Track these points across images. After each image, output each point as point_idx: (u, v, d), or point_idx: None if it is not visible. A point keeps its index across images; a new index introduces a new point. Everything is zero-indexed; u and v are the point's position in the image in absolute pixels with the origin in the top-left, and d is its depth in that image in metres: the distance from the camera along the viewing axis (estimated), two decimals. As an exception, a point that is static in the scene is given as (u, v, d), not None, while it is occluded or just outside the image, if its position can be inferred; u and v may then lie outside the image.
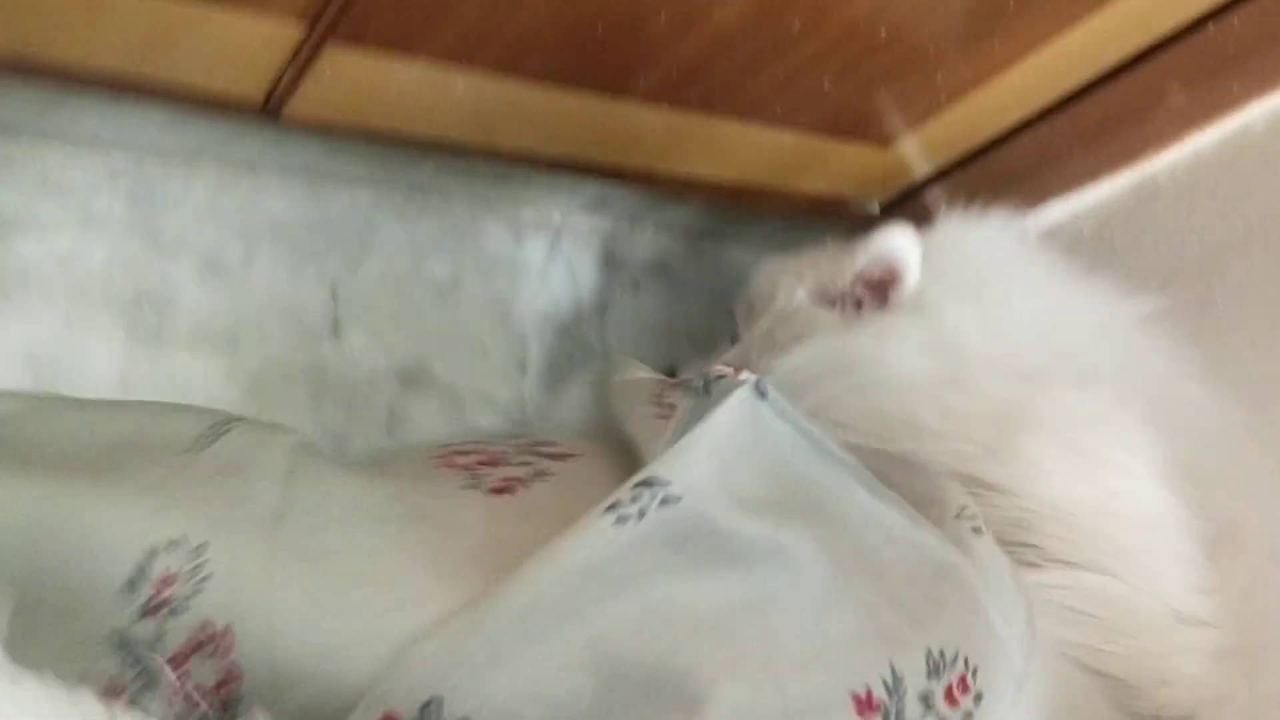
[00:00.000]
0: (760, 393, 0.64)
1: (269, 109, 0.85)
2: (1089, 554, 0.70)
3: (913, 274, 0.88)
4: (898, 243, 0.88)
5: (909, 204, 1.11)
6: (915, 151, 1.03)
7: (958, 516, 0.68)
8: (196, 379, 1.00)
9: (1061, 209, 1.12)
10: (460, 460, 0.67)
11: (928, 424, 0.78)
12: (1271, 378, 0.88)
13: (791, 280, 0.96)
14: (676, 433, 0.62)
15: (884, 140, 1.01)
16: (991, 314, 0.87)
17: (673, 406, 0.67)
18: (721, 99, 0.90)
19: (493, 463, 0.66)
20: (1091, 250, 1.08)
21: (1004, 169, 1.06)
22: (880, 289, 0.90)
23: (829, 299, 0.94)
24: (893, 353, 0.85)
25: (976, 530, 0.67)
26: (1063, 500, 0.71)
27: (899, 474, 0.70)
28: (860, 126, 0.98)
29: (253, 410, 1.02)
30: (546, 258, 1.20)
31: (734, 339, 1.04)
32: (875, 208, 1.14)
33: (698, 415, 0.63)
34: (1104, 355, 0.84)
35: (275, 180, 1.07)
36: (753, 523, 0.60)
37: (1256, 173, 0.96)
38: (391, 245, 1.11)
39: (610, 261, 1.23)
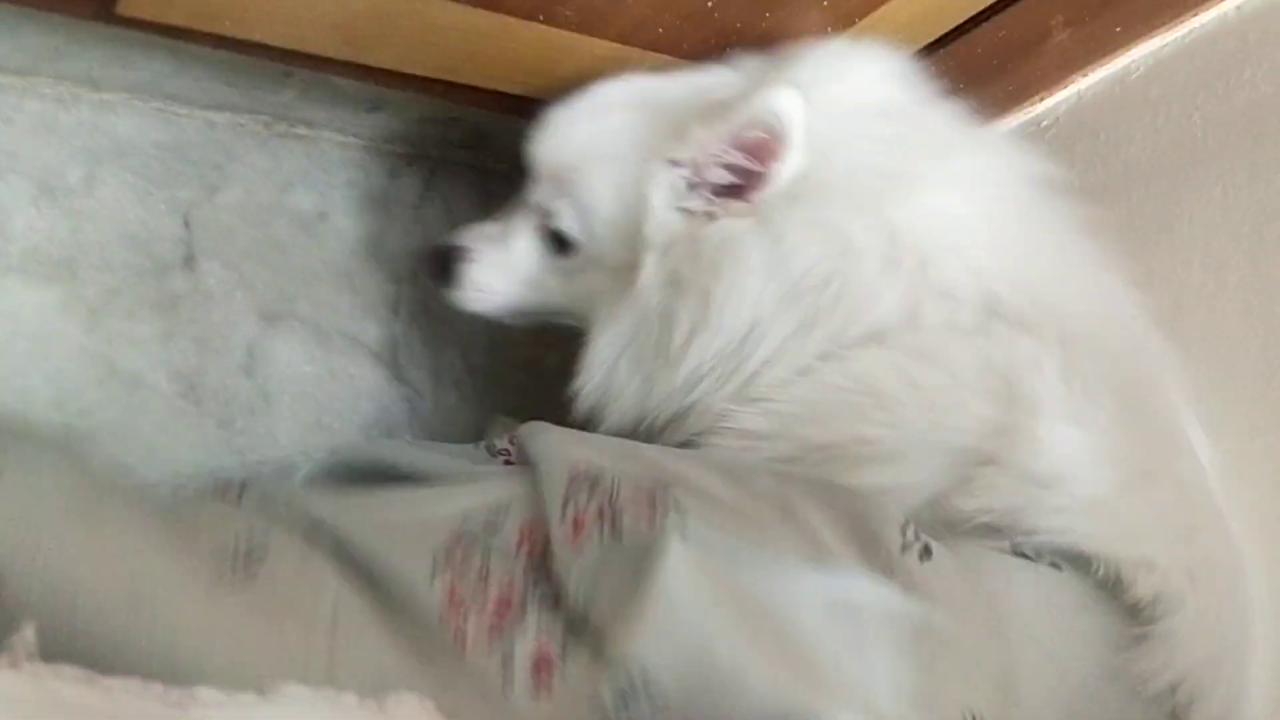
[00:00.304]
0: (684, 538, 0.59)
1: (103, 6, 0.77)
2: (1131, 548, 0.68)
3: (797, 142, 0.77)
4: (782, 103, 0.76)
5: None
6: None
7: (904, 549, 0.64)
8: (27, 310, 0.92)
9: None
10: (476, 612, 0.59)
11: (896, 396, 0.73)
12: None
13: (663, 175, 0.81)
14: (619, 590, 0.57)
15: (770, 73, 0.98)
16: (948, 216, 0.80)
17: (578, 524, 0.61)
18: (601, 18, 0.85)
19: (507, 604, 0.59)
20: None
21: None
22: (759, 157, 0.78)
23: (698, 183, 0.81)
24: (855, 271, 0.77)
25: (925, 552, 0.64)
26: (1097, 493, 0.69)
27: (830, 511, 0.65)
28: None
29: (93, 345, 0.94)
30: (421, 194, 1.14)
31: (553, 236, 0.89)
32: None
33: (631, 570, 0.58)
34: (1063, 280, 0.79)
35: (121, 98, 0.99)
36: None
37: (1137, 115, 0.96)
38: (252, 174, 1.04)
39: (489, 200, 1.18)
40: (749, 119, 0.78)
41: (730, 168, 0.80)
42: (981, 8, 0.90)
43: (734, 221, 0.81)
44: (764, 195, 0.79)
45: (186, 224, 1.00)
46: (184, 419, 0.98)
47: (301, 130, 1.07)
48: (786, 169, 0.78)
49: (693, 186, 0.82)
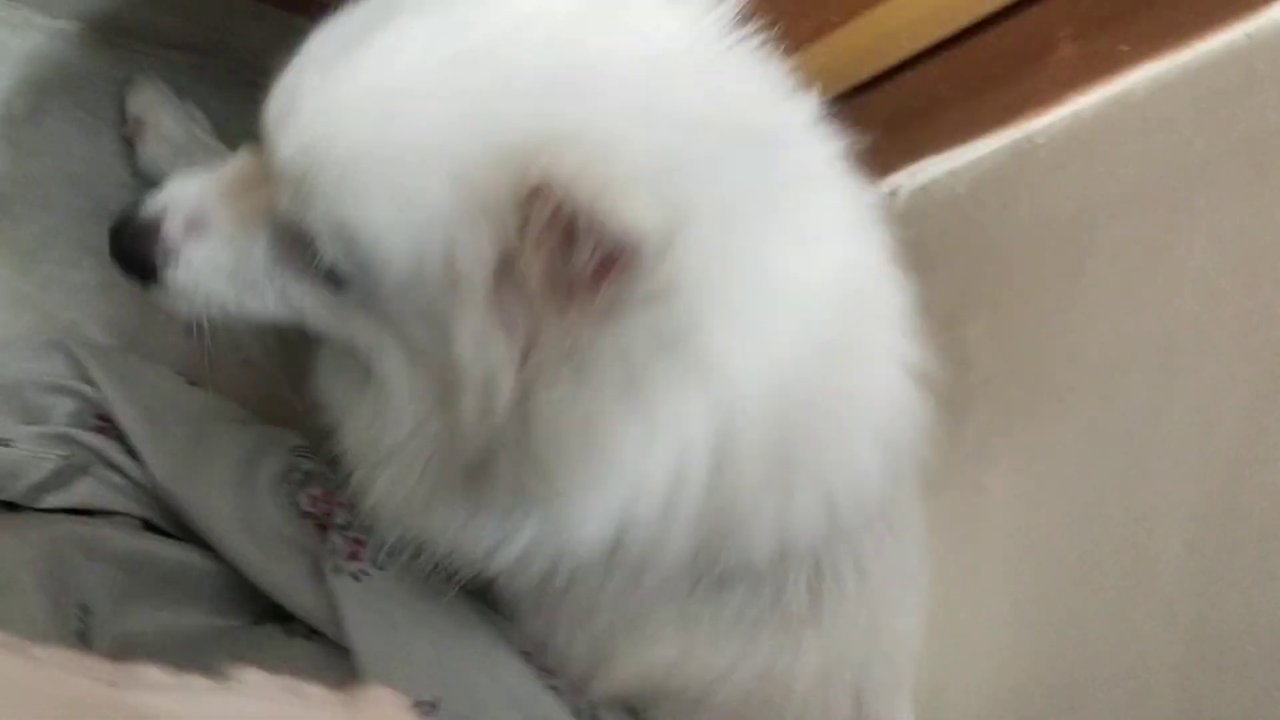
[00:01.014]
0: None
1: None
2: None
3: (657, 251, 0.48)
4: (640, 208, 0.47)
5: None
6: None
7: None
8: (-45, 246, 0.85)
9: (937, 165, 1.08)
10: None
11: None
12: (1139, 344, 0.85)
13: (487, 245, 0.51)
14: None
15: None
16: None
17: None
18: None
19: None
20: (965, 209, 1.04)
21: (883, 113, 1.00)
22: (600, 275, 0.49)
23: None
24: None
25: None
26: None
27: None
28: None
29: (27, 289, 0.88)
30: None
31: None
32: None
33: None
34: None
35: (76, 27, 0.93)
36: None
37: (1135, 137, 0.93)
38: (210, 120, 0.98)
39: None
40: (593, 229, 0.48)
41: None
42: (989, 12, 0.87)
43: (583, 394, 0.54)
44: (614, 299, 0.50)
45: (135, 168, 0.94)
46: (118, 375, 0.91)
47: (267, 80, 1.01)
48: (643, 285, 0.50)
49: (510, 282, 0.52)
